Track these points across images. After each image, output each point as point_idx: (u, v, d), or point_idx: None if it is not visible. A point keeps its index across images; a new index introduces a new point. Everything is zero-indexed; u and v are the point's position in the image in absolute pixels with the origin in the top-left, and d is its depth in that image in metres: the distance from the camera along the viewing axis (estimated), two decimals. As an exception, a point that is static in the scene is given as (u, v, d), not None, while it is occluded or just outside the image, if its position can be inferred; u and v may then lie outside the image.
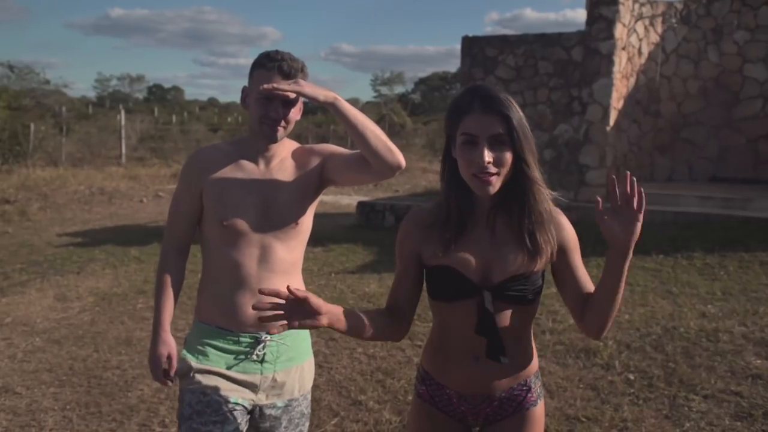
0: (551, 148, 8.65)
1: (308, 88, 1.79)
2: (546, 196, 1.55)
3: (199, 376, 1.88)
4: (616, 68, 8.23)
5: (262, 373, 1.89)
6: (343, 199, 13.32)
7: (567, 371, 3.90)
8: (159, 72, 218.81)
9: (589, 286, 1.62)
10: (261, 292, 1.43)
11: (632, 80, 8.85)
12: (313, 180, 1.94)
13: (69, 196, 13.08)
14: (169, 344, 1.95)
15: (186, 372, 1.90)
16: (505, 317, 1.57)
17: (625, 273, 1.51)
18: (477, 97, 1.47)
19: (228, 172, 1.88)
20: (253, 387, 1.89)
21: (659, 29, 9.13)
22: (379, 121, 27.33)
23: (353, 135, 1.82)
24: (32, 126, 18.05)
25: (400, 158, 1.84)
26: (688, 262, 6.02)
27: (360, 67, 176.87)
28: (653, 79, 9.21)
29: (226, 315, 1.89)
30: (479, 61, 9.02)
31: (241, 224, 1.85)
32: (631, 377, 3.76)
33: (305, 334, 2.03)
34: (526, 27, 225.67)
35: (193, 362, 1.90)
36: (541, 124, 8.69)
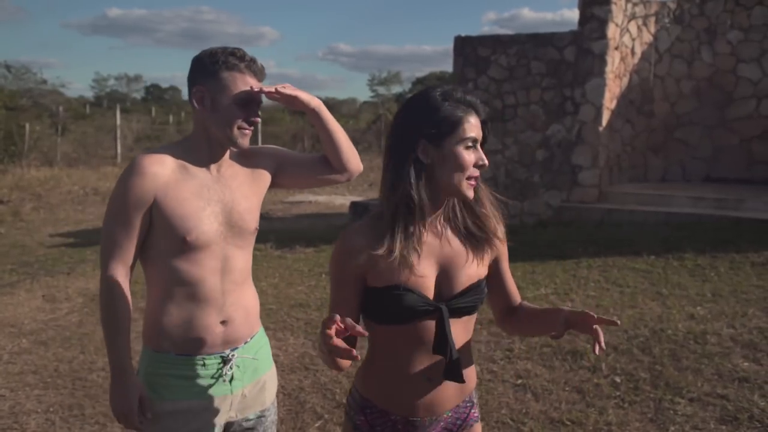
0: (544, 149, 8.63)
1: (303, 93, 1.83)
2: (491, 200, 1.58)
3: (167, 420, 1.75)
4: (608, 68, 8.21)
5: (232, 393, 1.83)
6: (337, 200, 13.30)
7: (553, 374, 3.88)
8: (157, 72, 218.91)
9: (515, 292, 1.71)
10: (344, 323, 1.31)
11: (625, 80, 8.83)
12: (265, 182, 1.90)
13: (63, 197, 13.06)
14: (139, 386, 1.73)
15: (153, 414, 1.74)
16: (457, 331, 1.53)
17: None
18: (476, 104, 1.50)
19: (182, 182, 1.73)
20: (225, 408, 1.82)
21: (652, 29, 9.11)
22: (376, 121, 27.30)
23: (331, 141, 1.87)
24: (27, 126, 18.00)
25: (360, 164, 1.94)
26: (679, 263, 6.00)
27: (357, 66, 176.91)
28: (646, 79, 9.19)
29: (189, 339, 1.76)
30: (471, 61, 8.99)
31: (205, 237, 1.73)
32: (618, 380, 3.74)
33: (267, 342, 1.99)
34: (523, 27, 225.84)
35: (158, 402, 1.75)
36: (533, 124, 8.67)
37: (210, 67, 1.72)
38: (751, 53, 9.16)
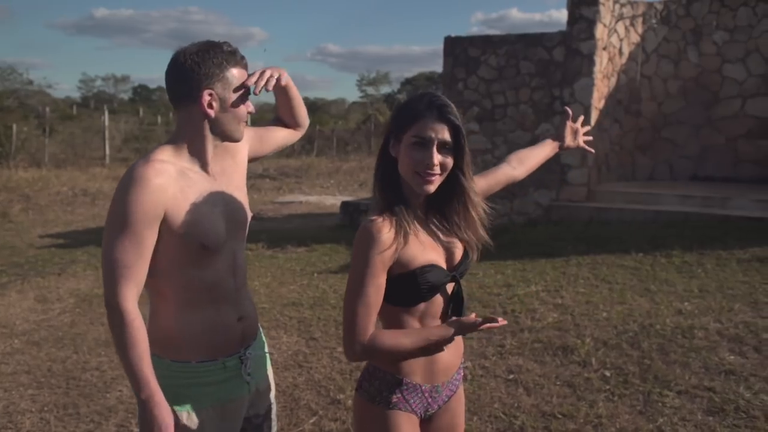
0: (533, 148, 8.69)
1: (284, 76, 1.91)
2: (478, 205, 1.70)
3: (194, 427, 1.72)
4: (597, 68, 8.30)
5: (250, 392, 1.84)
6: (328, 200, 13.33)
7: (544, 368, 3.94)
8: (144, 72, 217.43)
9: (499, 171, 2.02)
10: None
11: (613, 80, 8.92)
12: (245, 167, 1.93)
13: (51, 198, 13.00)
14: (168, 408, 1.62)
15: (178, 426, 1.68)
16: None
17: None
18: (435, 104, 1.59)
19: (187, 189, 1.68)
20: (245, 406, 1.84)
21: (640, 29, 9.21)
22: (365, 121, 27.32)
23: (295, 106, 2.04)
24: (14, 127, 17.90)
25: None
26: (667, 260, 6.09)
27: (346, 67, 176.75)
28: (634, 79, 9.29)
29: (211, 344, 1.74)
30: (461, 61, 9.05)
31: (219, 240, 1.72)
32: (607, 374, 3.80)
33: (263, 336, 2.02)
34: (511, 27, 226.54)
35: (184, 411, 1.71)
36: (522, 123, 8.74)
37: (217, 69, 1.68)
38: (736, 53, 9.28)
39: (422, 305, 1.65)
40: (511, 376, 3.86)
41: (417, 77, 54.47)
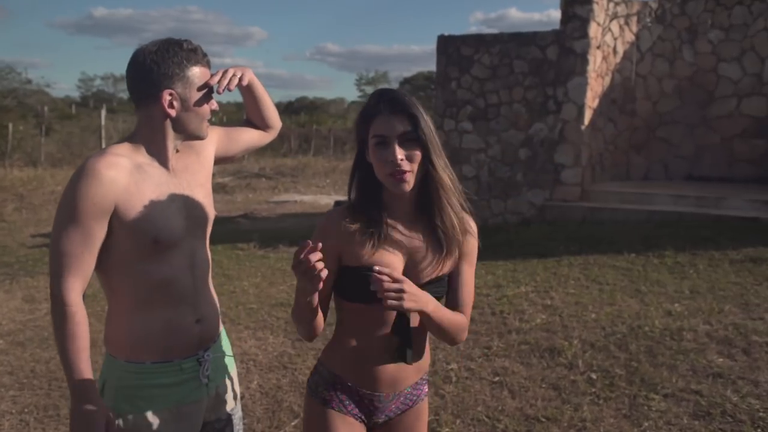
0: (526, 147, 8.66)
1: (249, 72, 1.88)
2: (454, 200, 1.60)
3: (147, 430, 1.68)
4: (590, 67, 8.25)
5: (208, 395, 1.80)
6: (323, 199, 13.28)
7: (530, 371, 3.89)
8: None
9: (462, 301, 1.68)
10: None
11: (607, 79, 8.88)
12: (211, 165, 1.89)
13: (45, 197, 12.96)
14: (106, 409, 1.61)
15: (131, 428, 1.66)
16: (415, 317, 1.61)
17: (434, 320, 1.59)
18: (384, 99, 1.55)
19: (142, 183, 1.66)
20: (202, 410, 1.80)
21: (634, 28, 9.16)
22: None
23: (262, 106, 1.99)
24: (10, 126, 17.86)
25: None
26: (659, 260, 6.04)
27: (345, 66, 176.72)
28: (628, 78, 9.25)
29: (166, 345, 1.70)
30: (454, 60, 9.01)
31: (173, 236, 1.69)
32: (594, 376, 3.76)
33: (226, 336, 1.98)
34: (510, 27, 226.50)
35: (137, 413, 1.67)
36: (516, 123, 8.70)
37: (177, 69, 1.65)
38: (731, 52, 9.23)
39: (360, 307, 1.59)
40: (497, 379, 3.81)
41: (416, 77, 54.45)
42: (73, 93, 66.19)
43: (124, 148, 1.71)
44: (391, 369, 1.63)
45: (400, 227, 1.61)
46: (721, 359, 3.88)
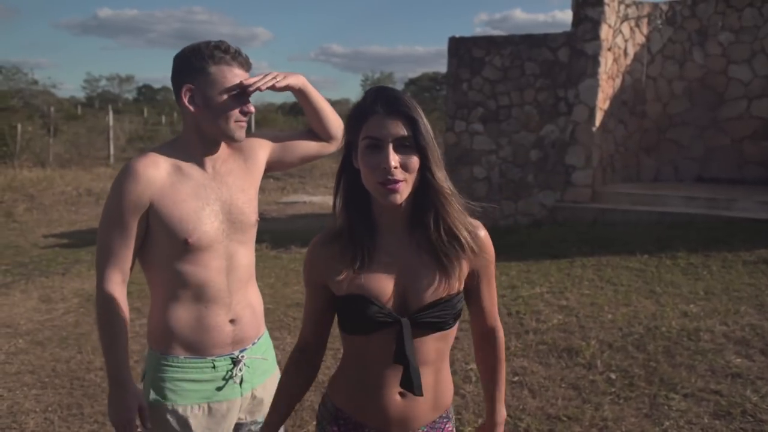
0: (537, 149, 8.68)
1: (290, 77, 1.85)
2: (457, 208, 1.41)
3: (176, 425, 1.73)
4: (601, 69, 8.27)
5: (242, 395, 1.82)
6: (331, 200, 13.30)
7: (549, 371, 3.92)
8: (149, 73, 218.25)
9: (489, 316, 1.56)
10: None
11: (618, 81, 8.89)
12: (260, 172, 1.90)
13: (56, 197, 13.01)
14: (138, 394, 1.70)
15: (162, 420, 1.72)
16: (425, 345, 1.42)
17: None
18: (381, 98, 1.35)
19: (178, 184, 1.71)
20: (235, 410, 1.82)
21: (645, 30, 9.18)
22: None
23: (318, 114, 1.94)
24: (19, 126, 17.92)
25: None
26: (672, 261, 6.06)
27: (349, 67, 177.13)
28: (639, 80, 9.26)
29: (198, 341, 1.74)
30: (466, 62, 9.03)
31: (207, 237, 1.71)
32: (613, 376, 3.78)
33: (271, 344, 1.99)
34: (515, 28, 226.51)
35: (168, 405, 1.73)
36: (527, 124, 8.72)
37: (196, 63, 1.68)
38: (741, 54, 9.24)
39: (359, 338, 1.43)
40: (516, 378, 3.84)
41: (421, 77, 54.51)
42: (78, 93, 66.45)
43: (167, 148, 1.78)
44: (399, 404, 1.44)
45: (393, 245, 1.42)
46: (739, 359, 3.90)
